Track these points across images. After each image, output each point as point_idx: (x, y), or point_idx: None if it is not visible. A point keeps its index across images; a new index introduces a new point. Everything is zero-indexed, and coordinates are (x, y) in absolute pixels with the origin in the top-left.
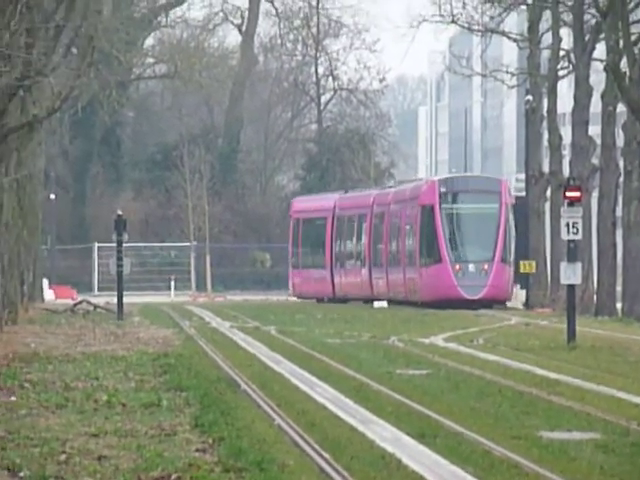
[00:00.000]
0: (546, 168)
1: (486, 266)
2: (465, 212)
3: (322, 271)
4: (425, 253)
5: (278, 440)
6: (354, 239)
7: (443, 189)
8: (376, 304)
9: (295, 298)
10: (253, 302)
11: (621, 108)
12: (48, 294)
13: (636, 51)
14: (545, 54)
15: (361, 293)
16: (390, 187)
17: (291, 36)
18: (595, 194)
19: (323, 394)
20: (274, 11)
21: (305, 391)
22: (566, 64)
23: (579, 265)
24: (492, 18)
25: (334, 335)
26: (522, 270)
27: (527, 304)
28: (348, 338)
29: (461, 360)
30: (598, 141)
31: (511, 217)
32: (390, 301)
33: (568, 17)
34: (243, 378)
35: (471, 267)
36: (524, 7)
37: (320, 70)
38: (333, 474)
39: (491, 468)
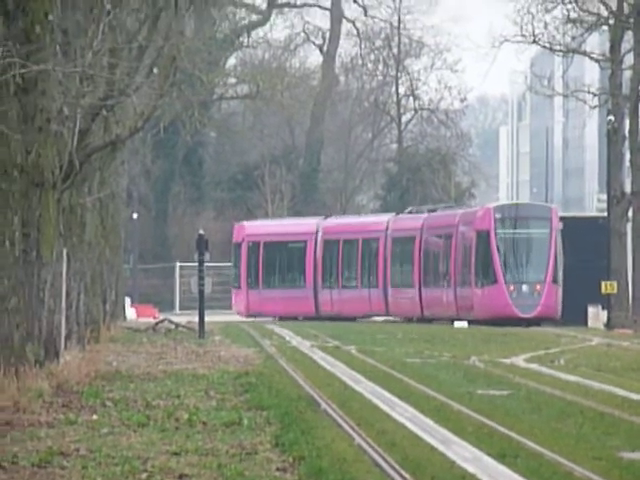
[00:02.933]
0: (628, 188)
1: (538, 286)
2: (518, 237)
3: (299, 291)
4: (480, 274)
5: (358, 459)
6: (357, 262)
7: (498, 215)
8: (456, 324)
9: (240, 317)
10: (332, 322)
11: None
12: (130, 313)
13: None
14: (627, 74)
15: (368, 311)
16: (409, 213)
17: (372, 56)
18: None
19: (403, 414)
20: (355, 31)
21: (385, 410)
22: None
23: None
24: (574, 38)
25: (414, 355)
26: (603, 291)
27: (608, 325)
28: (428, 358)
29: (542, 381)
30: None
31: (560, 241)
32: (422, 319)
33: None
34: (323, 397)
35: (525, 287)
36: (606, 27)
37: (401, 90)
38: None
39: None
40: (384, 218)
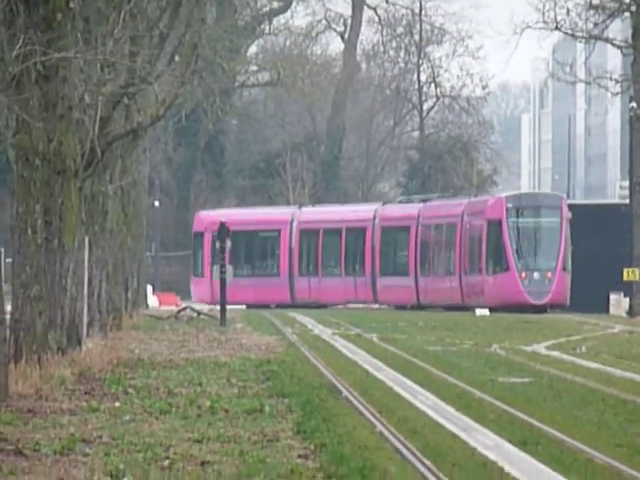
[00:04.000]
0: None
1: (549, 274)
2: (530, 225)
3: (272, 279)
4: (492, 262)
5: (380, 447)
6: (341, 250)
7: (510, 205)
8: (478, 312)
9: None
10: (354, 309)
11: None
12: (152, 300)
13: None
14: None
15: (354, 299)
16: (399, 202)
17: (394, 43)
18: None
19: (424, 401)
20: (377, 18)
21: (406, 398)
22: None
23: None
24: (596, 25)
25: (435, 342)
26: (625, 278)
27: (630, 312)
28: (450, 346)
29: (563, 368)
30: None
31: (569, 230)
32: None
33: None
34: (345, 385)
35: (536, 275)
36: (628, 14)
37: (422, 77)
38: None
39: (594, 476)
40: (371, 207)
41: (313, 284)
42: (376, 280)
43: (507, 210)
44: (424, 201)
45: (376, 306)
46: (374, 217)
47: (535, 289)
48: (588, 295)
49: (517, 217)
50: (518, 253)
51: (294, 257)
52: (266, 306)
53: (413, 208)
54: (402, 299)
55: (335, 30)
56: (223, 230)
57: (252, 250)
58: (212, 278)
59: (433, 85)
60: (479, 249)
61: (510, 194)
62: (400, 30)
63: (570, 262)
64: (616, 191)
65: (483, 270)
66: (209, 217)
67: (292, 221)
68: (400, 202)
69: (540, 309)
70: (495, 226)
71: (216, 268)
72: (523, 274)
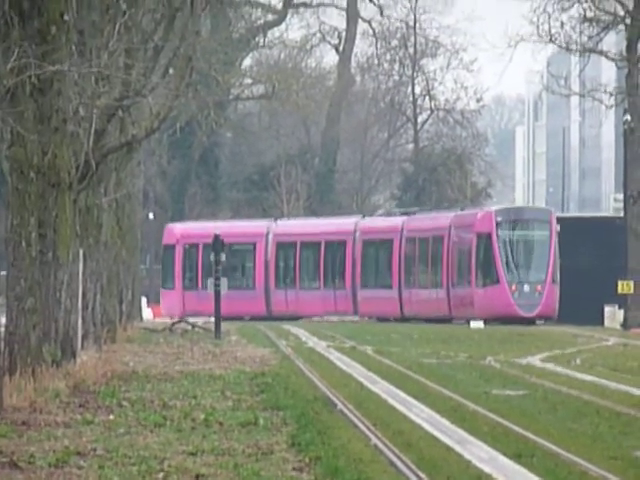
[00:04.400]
0: None
1: (539, 287)
2: (519, 239)
3: (247, 291)
4: (481, 275)
5: (374, 460)
6: (320, 263)
7: (499, 218)
8: (472, 324)
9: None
10: (349, 322)
11: None
12: (146, 313)
13: None
14: None
15: (333, 312)
16: (379, 216)
17: (388, 56)
18: None
19: (419, 414)
20: (371, 31)
21: (401, 411)
22: None
23: None
24: (590, 38)
25: (430, 355)
26: (620, 290)
27: (625, 325)
28: (444, 358)
29: (558, 381)
30: None
31: (557, 243)
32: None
33: None
34: (339, 398)
35: (526, 287)
36: (622, 27)
37: (417, 90)
38: None
39: None
40: (351, 220)
41: (290, 297)
42: (357, 292)
43: (497, 224)
44: (406, 214)
45: (372, 319)
46: (354, 230)
47: (525, 302)
48: (583, 307)
49: (507, 230)
50: (508, 266)
51: (270, 270)
52: (240, 318)
53: (396, 221)
54: (385, 311)
55: (329, 43)
56: (217, 242)
57: (226, 263)
58: (183, 290)
59: (427, 98)
60: (468, 261)
61: (499, 208)
62: (394, 43)
63: (559, 275)
64: (610, 204)
65: (473, 282)
66: (180, 230)
67: (267, 234)
68: (380, 215)
69: (530, 321)
70: (485, 239)
71: (210, 280)
72: (513, 287)
